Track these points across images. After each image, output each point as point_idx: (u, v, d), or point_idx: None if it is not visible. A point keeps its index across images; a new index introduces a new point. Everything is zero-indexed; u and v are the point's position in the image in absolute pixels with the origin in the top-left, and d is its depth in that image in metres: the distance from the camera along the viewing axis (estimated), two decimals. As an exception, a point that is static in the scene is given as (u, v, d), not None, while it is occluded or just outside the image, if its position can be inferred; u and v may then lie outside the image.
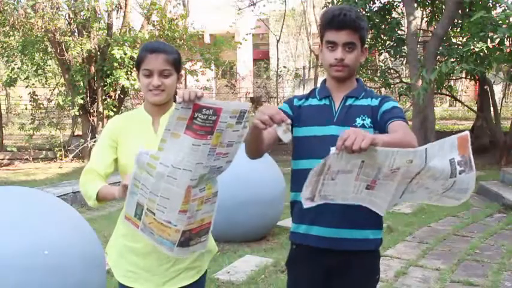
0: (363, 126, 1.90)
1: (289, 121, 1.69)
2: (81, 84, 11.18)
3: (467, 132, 1.59)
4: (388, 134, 1.73)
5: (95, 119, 11.59)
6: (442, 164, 1.56)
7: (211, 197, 1.80)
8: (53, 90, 13.27)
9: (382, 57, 13.83)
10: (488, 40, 7.90)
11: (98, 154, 2.07)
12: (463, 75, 10.07)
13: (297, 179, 1.99)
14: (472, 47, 7.56)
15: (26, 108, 13.91)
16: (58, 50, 11.12)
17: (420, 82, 8.52)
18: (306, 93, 2.06)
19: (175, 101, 2.13)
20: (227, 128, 1.67)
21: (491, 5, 9.06)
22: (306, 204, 1.65)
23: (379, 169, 1.56)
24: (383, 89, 13.66)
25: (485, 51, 7.73)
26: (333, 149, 1.53)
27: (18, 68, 12.71)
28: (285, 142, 1.72)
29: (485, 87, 11.02)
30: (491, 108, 10.87)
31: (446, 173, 1.58)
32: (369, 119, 1.91)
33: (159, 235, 1.77)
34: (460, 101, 13.60)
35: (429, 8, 10.80)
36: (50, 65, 13.79)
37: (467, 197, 1.67)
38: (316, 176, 1.57)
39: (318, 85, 2.12)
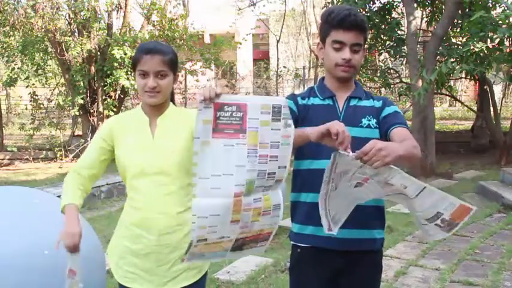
0: (368, 126, 1.92)
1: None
2: (81, 84, 11.18)
3: (474, 207, 1.65)
4: (401, 145, 1.71)
5: (95, 119, 11.58)
6: (429, 207, 1.64)
7: (270, 209, 1.68)
8: (53, 90, 13.26)
9: (382, 57, 13.81)
10: (488, 40, 7.89)
11: (86, 155, 2.11)
12: (463, 75, 10.06)
13: (299, 179, 1.98)
14: (472, 47, 7.55)
15: (26, 108, 13.90)
16: (58, 50, 11.11)
17: (420, 82, 8.52)
18: (306, 92, 2.05)
19: (172, 101, 2.14)
20: (263, 126, 1.59)
21: (491, 5, 9.05)
22: (331, 233, 1.76)
23: (377, 173, 1.60)
24: (383, 89, 13.66)
25: (485, 51, 7.73)
26: (351, 154, 1.58)
27: (18, 68, 12.70)
28: None
29: (485, 87, 11.02)
30: (491, 108, 10.87)
31: (426, 214, 1.66)
32: (375, 120, 1.94)
33: (211, 252, 1.69)
34: (460, 101, 13.60)
35: (429, 8, 10.79)
36: (50, 65, 13.78)
37: (430, 239, 1.86)
38: (325, 186, 1.63)
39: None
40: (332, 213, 1.70)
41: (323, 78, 2.04)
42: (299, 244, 2.00)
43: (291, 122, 1.63)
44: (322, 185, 1.64)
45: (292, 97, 2.02)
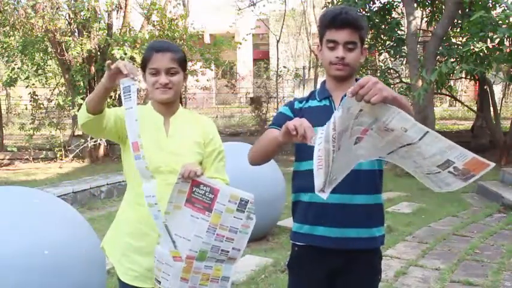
0: None
1: None
2: (81, 84, 11.18)
3: (491, 163, 1.47)
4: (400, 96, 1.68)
5: (95, 119, 11.58)
6: (436, 153, 1.49)
7: (219, 278, 1.92)
8: (53, 90, 13.26)
9: (382, 57, 13.82)
10: (488, 40, 7.90)
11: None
12: (463, 75, 10.06)
13: (299, 180, 1.99)
14: (471, 47, 7.55)
15: (26, 108, 13.88)
16: (58, 50, 11.11)
17: (420, 82, 8.53)
18: (306, 96, 2.06)
19: (181, 102, 2.16)
20: (227, 213, 1.83)
21: (491, 5, 9.06)
22: (322, 195, 1.59)
23: (375, 120, 1.52)
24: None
25: (485, 51, 7.73)
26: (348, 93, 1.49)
27: (18, 68, 12.69)
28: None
29: (485, 87, 11.02)
30: (491, 108, 10.88)
31: (435, 161, 1.51)
32: None
33: None
34: (460, 101, 13.60)
35: (429, 8, 10.80)
36: (50, 65, 13.78)
37: (450, 189, 1.57)
38: (326, 145, 1.50)
39: (318, 86, 2.12)
40: (332, 175, 1.59)
41: (325, 81, 2.05)
42: (296, 243, 2.01)
43: (253, 216, 1.85)
44: (322, 143, 1.52)
45: (290, 103, 2.06)
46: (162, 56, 1.96)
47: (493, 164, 1.45)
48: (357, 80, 2.02)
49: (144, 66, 2.02)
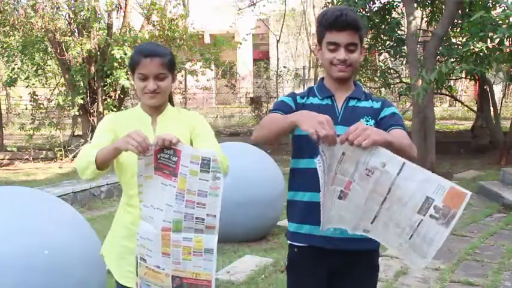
0: None
1: None
2: (81, 84, 11.17)
3: (468, 192, 1.51)
4: (391, 135, 1.72)
5: (95, 119, 11.57)
6: (415, 191, 1.52)
7: (202, 251, 1.80)
8: (53, 90, 13.24)
9: (382, 57, 13.81)
10: (488, 40, 7.89)
11: (98, 136, 2.03)
12: (463, 75, 10.06)
13: (296, 178, 1.99)
14: (471, 47, 7.55)
15: (26, 108, 13.87)
16: (58, 50, 11.10)
17: (420, 82, 8.52)
18: (305, 91, 2.05)
19: (170, 101, 2.17)
20: (191, 175, 1.73)
21: (491, 5, 9.05)
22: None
23: (357, 165, 1.56)
24: (383, 89, 13.65)
25: (485, 51, 7.73)
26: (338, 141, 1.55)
27: (18, 68, 12.68)
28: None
29: (485, 87, 11.02)
30: (491, 108, 10.87)
31: (415, 203, 1.53)
32: (373, 121, 1.94)
33: (155, 284, 1.83)
34: (460, 101, 13.60)
35: (429, 8, 10.79)
36: (50, 65, 13.75)
37: (429, 257, 1.56)
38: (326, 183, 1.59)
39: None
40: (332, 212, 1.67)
41: (323, 79, 2.05)
42: (296, 244, 2.00)
43: (220, 175, 1.74)
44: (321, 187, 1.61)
45: (292, 95, 2.03)
46: (150, 62, 1.96)
47: (469, 193, 1.50)
48: (354, 82, 2.03)
49: (132, 69, 2.02)
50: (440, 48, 9.26)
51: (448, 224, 1.51)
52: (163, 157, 1.75)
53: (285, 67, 17.52)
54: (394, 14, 10.87)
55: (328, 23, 1.89)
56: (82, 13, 11.12)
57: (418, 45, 10.40)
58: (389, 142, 1.59)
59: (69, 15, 11.38)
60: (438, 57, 9.47)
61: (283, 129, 1.80)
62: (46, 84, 13.67)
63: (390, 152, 1.54)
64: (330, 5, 10.26)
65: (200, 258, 1.80)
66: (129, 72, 9.95)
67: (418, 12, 10.34)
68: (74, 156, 11.55)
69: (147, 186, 1.78)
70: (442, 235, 1.53)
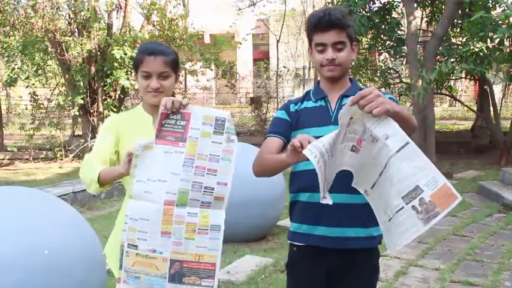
0: None
1: None
2: (81, 84, 11.17)
3: (459, 197, 1.47)
4: (398, 106, 1.69)
5: (95, 119, 11.58)
6: (407, 175, 1.47)
7: (208, 228, 1.63)
8: (53, 90, 13.25)
9: (382, 57, 13.82)
10: (488, 40, 7.90)
11: (99, 144, 2.03)
12: (463, 75, 10.06)
13: (296, 180, 2.00)
14: (471, 47, 7.55)
15: (26, 108, 13.87)
16: (58, 50, 11.11)
17: (420, 82, 8.52)
18: (301, 97, 2.07)
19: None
20: (203, 137, 1.59)
21: (491, 5, 9.06)
22: (326, 201, 1.60)
23: (365, 128, 1.53)
24: (383, 89, 13.65)
25: (485, 51, 7.73)
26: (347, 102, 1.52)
27: (18, 68, 12.68)
28: None
29: (485, 87, 11.02)
30: (491, 108, 10.87)
31: (402, 188, 1.48)
32: None
33: (146, 274, 1.64)
34: (460, 101, 13.60)
35: (429, 8, 10.80)
36: (50, 65, 13.76)
37: (397, 247, 1.53)
38: (322, 159, 1.51)
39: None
40: (327, 182, 1.60)
41: (319, 82, 2.06)
42: (295, 243, 2.01)
43: (234, 137, 1.61)
44: (320, 160, 1.50)
45: (285, 106, 2.03)
46: (154, 60, 1.96)
47: (460, 198, 1.46)
48: (350, 80, 2.03)
49: (136, 68, 2.03)
50: (440, 48, 9.26)
51: (427, 222, 1.45)
52: (169, 123, 1.61)
53: (285, 67, 17.51)
54: (394, 14, 10.88)
55: (313, 25, 1.90)
56: (82, 13, 11.13)
57: (418, 45, 10.41)
58: (397, 112, 1.57)
59: (69, 15, 11.39)
60: (438, 57, 9.48)
61: (277, 169, 1.83)
62: (46, 84, 13.68)
63: (398, 126, 1.50)
64: (330, 5, 10.26)
65: (206, 237, 1.63)
66: (129, 72, 9.95)
67: (418, 12, 10.34)
68: (74, 156, 11.56)
69: (143, 158, 1.60)
70: (417, 230, 1.47)
